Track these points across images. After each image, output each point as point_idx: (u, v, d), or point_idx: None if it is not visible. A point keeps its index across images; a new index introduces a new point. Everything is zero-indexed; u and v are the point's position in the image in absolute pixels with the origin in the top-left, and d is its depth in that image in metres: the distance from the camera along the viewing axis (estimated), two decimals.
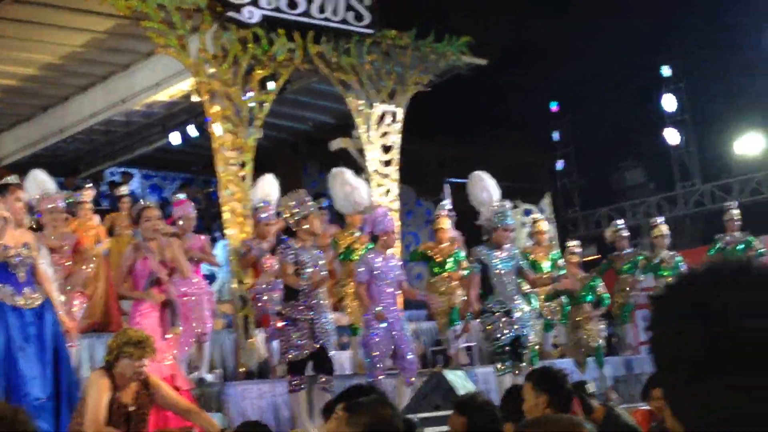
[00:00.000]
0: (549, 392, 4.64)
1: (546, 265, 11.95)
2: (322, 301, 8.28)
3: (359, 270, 8.82)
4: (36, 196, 8.36)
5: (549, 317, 11.94)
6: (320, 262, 8.39)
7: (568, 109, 21.31)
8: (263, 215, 10.27)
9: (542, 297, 11.62)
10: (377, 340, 8.66)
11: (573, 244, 12.46)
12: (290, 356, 8.07)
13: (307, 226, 8.27)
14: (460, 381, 8.48)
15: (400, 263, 9.41)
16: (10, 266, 6.71)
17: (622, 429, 5.09)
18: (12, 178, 7.14)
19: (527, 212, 15.18)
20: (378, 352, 8.65)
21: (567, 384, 4.82)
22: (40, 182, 8.60)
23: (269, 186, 10.76)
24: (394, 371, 9.07)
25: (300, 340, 8.03)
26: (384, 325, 8.63)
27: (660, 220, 13.36)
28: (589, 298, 11.79)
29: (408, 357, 8.78)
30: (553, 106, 21.58)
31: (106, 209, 13.36)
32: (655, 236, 12.99)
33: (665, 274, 12.46)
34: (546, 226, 12.54)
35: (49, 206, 8.36)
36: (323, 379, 8.17)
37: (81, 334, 8.66)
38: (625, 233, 13.13)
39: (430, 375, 9.25)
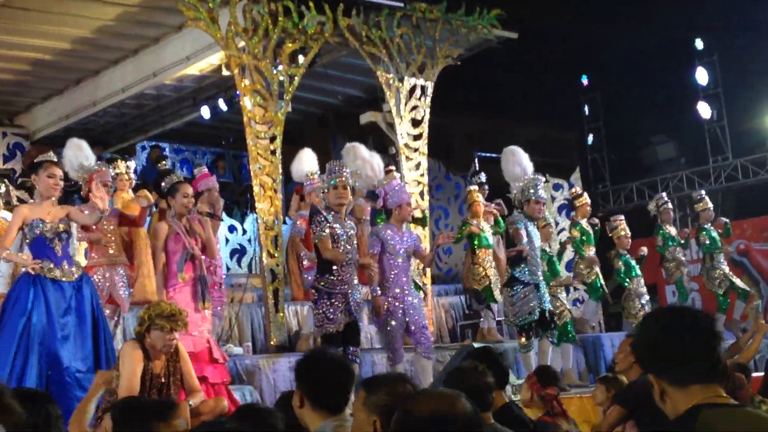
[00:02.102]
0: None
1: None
2: (354, 275, 8.25)
3: (370, 242, 8.78)
4: (84, 164, 8.36)
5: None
6: (351, 233, 8.31)
7: (599, 82, 21.13)
8: (310, 186, 10.32)
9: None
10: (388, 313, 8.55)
11: (617, 219, 12.35)
12: (326, 329, 8.05)
13: (341, 196, 8.20)
14: None
15: (416, 236, 9.25)
16: (47, 240, 6.81)
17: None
18: (45, 156, 7.18)
19: (557, 186, 15.13)
20: (389, 328, 8.55)
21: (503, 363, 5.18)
22: (88, 154, 8.60)
23: (311, 159, 10.80)
24: (410, 346, 8.98)
25: (335, 313, 8.01)
26: (390, 301, 8.50)
27: (703, 193, 13.37)
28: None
29: (421, 331, 8.61)
30: (584, 80, 21.40)
31: (138, 183, 13.42)
32: (702, 209, 12.95)
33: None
34: (588, 199, 12.46)
35: (100, 179, 8.37)
36: (352, 350, 8.16)
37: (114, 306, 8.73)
38: (670, 206, 13.06)
39: (459, 348, 9.28)
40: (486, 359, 5.03)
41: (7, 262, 7.83)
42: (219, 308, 8.78)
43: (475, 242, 11.26)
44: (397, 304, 8.46)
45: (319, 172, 10.37)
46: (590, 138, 21.27)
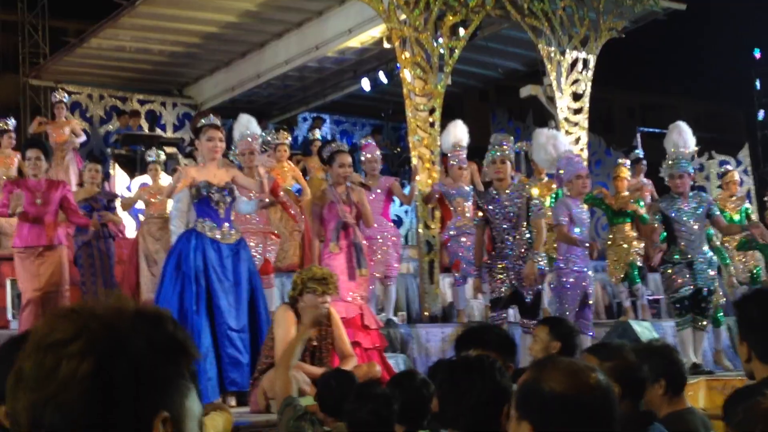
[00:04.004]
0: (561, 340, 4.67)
1: (736, 219, 11.48)
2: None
3: (557, 213, 8.55)
4: (249, 138, 8.57)
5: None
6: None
7: None
8: (454, 159, 10.28)
9: (734, 246, 11.16)
10: (568, 288, 8.41)
11: None
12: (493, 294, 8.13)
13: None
14: (646, 332, 8.34)
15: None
16: (212, 201, 7.04)
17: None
18: (206, 119, 7.30)
19: (722, 163, 14.61)
20: (568, 302, 8.41)
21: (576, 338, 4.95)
22: (255, 128, 8.78)
23: (460, 131, 10.72)
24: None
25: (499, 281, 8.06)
26: (574, 276, 8.40)
27: None
28: None
29: (587, 309, 8.49)
30: (756, 53, 20.52)
31: (297, 153, 13.73)
32: None
33: None
34: (737, 177, 11.94)
35: (244, 149, 8.57)
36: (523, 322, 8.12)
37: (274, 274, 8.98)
38: None
39: (615, 324, 9.13)
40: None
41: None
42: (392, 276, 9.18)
43: (613, 219, 11.00)
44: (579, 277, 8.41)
45: (462, 145, 10.31)
46: (761, 114, 20.41)
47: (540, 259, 8.09)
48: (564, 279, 8.39)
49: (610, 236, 10.95)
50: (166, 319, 1.23)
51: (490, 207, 8.10)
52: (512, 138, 8.59)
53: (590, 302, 8.56)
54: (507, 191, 8.12)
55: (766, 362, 3.12)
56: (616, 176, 11.18)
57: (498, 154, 8.11)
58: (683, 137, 9.04)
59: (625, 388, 3.25)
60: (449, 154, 10.44)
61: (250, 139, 8.43)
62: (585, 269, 8.44)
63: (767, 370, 3.10)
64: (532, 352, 4.83)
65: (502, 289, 8.03)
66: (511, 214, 8.09)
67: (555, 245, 9.84)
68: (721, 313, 9.87)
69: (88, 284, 9.17)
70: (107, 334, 1.17)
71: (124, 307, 1.21)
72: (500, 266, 8.05)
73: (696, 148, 9.19)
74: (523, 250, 8.03)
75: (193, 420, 1.23)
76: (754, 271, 11.39)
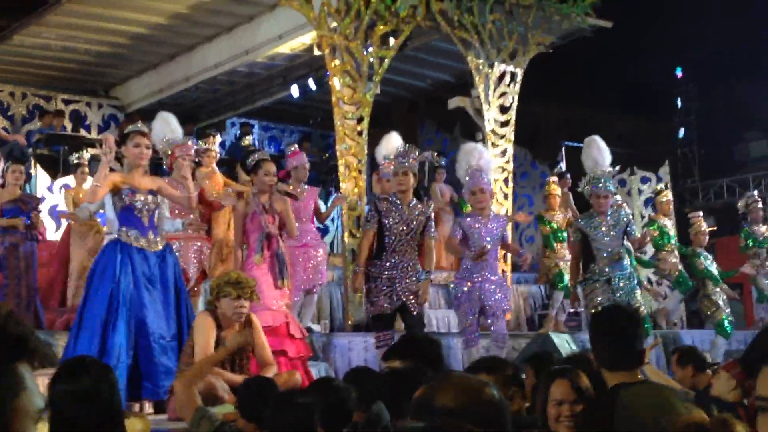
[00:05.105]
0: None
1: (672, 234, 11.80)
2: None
3: (452, 228, 8.67)
4: (168, 137, 8.49)
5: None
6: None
7: (694, 75, 20.72)
8: (385, 171, 10.25)
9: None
10: (461, 298, 8.38)
11: (696, 215, 11.95)
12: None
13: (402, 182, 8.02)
14: (565, 344, 8.46)
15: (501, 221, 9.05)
16: (136, 210, 6.95)
17: None
18: (133, 126, 7.28)
19: (644, 179, 14.91)
20: (463, 311, 8.38)
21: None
22: (174, 128, 8.69)
23: (394, 143, 10.73)
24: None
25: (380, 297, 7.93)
26: (468, 285, 8.36)
27: None
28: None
29: (494, 320, 8.38)
30: (678, 72, 21.00)
31: (225, 159, 13.62)
32: None
33: None
34: (670, 196, 12.22)
35: (183, 153, 8.53)
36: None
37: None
38: (760, 205, 12.60)
39: (535, 335, 9.24)
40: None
41: None
42: (321, 276, 9.15)
43: (550, 237, 11.25)
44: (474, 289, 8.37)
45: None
46: (681, 131, 20.88)
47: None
48: (458, 290, 8.41)
49: (545, 253, 11.27)
50: (1, 315, 1.20)
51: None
52: (416, 149, 8.51)
53: (497, 313, 8.41)
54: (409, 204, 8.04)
55: (614, 370, 3.48)
56: (547, 194, 11.44)
57: (401, 166, 8.06)
58: (602, 154, 9.16)
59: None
60: (381, 166, 10.43)
61: (190, 143, 8.43)
62: (479, 280, 8.34)
63: (615, 378, 3.46)
64: None
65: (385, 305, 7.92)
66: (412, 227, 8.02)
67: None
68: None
69: (12, 286, 8.97)
70: None
71: None
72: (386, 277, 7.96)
73: (610, 165, 9.29)
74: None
75: (24, 418, 1.20)
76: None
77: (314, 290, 9.24)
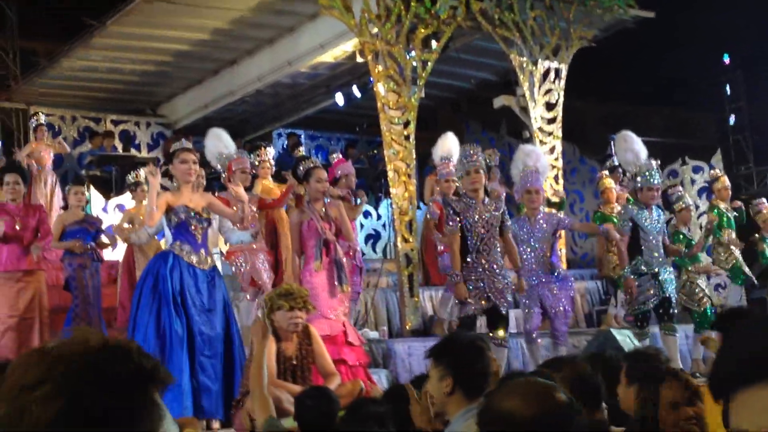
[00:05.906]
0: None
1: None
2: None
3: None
4: (223, 153, 8.59)
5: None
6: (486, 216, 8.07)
7: (742, 61, 20.39)
8: (444, 172, 10.26)
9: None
10: (521, 297, 8.53)
11: (760, 202, 11.75)
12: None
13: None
14: (627, 339, 8.35)
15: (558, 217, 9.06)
16: (190, 226, 6.99)
17: None
18: (178, 144, 7.34)
19: (696, 169, 14.70)
20: (523, 309, 8.59)
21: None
22: (227, 143, 8.78)
23: (450, 144, 10.69)
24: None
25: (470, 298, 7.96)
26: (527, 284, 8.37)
27: None
28: None
29: (555, 318, 8.49)
30: (726, 59, 20.68)
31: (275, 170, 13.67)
32: None
33: None
34: (728, 182, 12.00)
35: (240, 167, 8.63)
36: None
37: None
38: None
39: (596, 333, 9.14)
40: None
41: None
42: (357, 292, 8.88)
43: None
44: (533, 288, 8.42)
45: (452, 158, 10.27)
46: (732, 118, 20.55)
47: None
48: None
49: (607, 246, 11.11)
50: (133, 351, 1.24)
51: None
52: (480, 147, 8.57)
53: (557, 313, 8.49)
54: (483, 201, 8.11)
55: (468, 398, 3.30)
56: (603, 189, 11.29)
57: (471, 164, 8.09)
58: (641, 147, 9.14)
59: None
60: (438, 167, 10.45)
61: (245, 157, 8.54)
62: (535, 282, 8.42)
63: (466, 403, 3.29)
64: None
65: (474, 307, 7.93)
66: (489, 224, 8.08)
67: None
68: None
69: (81, 307, 9.01)
70: (74, 375, 1.18)
71: (90, 344, 1.23)
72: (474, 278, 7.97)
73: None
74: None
75: None
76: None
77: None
